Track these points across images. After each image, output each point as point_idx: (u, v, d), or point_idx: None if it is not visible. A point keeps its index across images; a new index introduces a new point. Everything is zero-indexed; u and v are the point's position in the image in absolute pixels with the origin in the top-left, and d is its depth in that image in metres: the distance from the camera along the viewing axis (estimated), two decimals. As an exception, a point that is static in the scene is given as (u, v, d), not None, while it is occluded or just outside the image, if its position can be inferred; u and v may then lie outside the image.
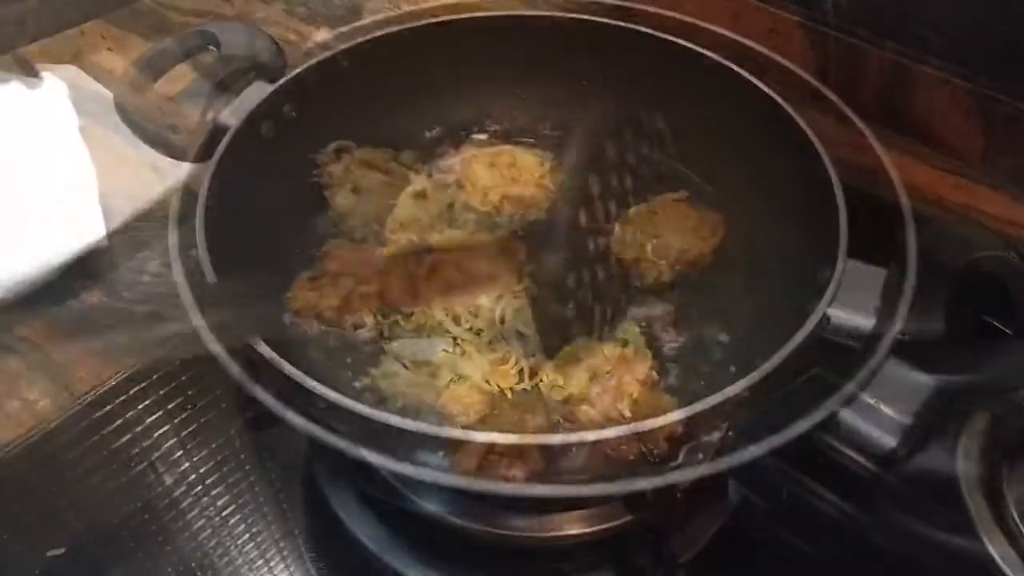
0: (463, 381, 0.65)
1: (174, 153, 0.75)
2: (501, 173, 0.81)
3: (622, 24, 0.82)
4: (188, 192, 0.63)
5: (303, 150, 0.79)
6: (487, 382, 0.65)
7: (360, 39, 0.80)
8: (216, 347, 0.52)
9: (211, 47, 0.80)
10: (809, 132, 0.68)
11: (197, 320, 0.54)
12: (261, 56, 0.79)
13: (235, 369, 0.52)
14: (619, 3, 0.84)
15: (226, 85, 0.75)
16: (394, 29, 0.81)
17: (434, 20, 0.82)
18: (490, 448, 0.60)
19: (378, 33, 0.80)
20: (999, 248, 0.64)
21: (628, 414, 0.62)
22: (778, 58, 0.75)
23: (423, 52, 0.82)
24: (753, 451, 0.46)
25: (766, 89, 0.73)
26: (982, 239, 0.72)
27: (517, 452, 0.60)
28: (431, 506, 0.63)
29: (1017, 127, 0.88)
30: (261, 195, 0.72)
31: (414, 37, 0.81)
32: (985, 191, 0.92)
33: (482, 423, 0.61)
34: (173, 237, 0.59)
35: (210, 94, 0.75)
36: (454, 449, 0.61)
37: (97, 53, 1.13)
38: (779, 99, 0.72)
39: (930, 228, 0.59)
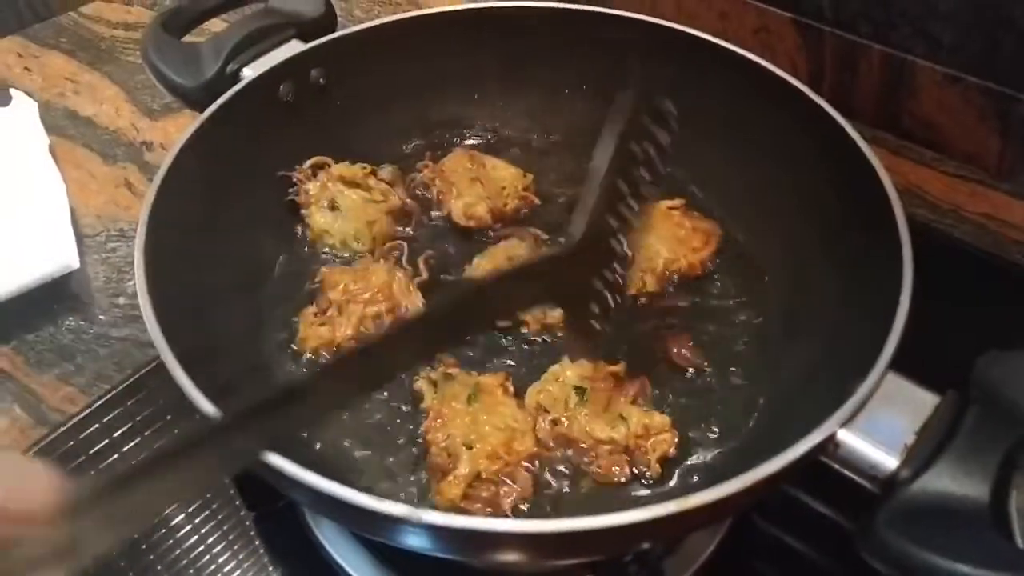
0: (447, 403, 0.62)
1: (190, 103, 0.74)
2: (484, 186, 0.79)
3: (614, 12, 0.79)
4: (155, 218, 0.61)
5: (276, 164, 0.77)
6: (469, 401, 0.62)
7: (331, 38, 0.78)
8: (194, 393, 0.50)
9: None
10: (861, 142, 0.64)
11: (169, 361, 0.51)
12: (307, 14, 0.78)
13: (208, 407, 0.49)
14: (592, 8, 0.81)
15: (257, 39, 0.75)
16: (367, 26, 0.78)
17: (411, 15, 0.80)
18: (476, 475, 0.58)
19: (351, 30, 0.78)
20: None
21: (617, 436, 0.60)
22: (758, 60, 0.72)
23: (401, 52, 0.80)
24: (747, 479, 0.44)
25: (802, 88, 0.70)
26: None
27: (504, 477, 0.59)
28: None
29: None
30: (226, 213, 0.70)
31: (390, 34, 0.79)
32: (1005, 199, 0.89)
33: (467, 448, 0.59)
34: (140, 269, 0.56)
35: (236, 46, 0.74)
36: (437, 478, 0.59)
37: (10, 73, 1.11)
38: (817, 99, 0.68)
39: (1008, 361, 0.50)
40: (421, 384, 0.65)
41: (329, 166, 0.77)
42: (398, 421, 0.64)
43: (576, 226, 0.55)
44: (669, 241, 0.73)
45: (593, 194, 0.55)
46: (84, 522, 0.33)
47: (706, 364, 0.67)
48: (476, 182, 0.79)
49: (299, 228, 0.77)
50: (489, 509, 0.58)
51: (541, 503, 0.59)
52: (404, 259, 0.74)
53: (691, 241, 0.73)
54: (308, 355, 0.68)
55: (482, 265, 0.73)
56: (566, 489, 0.60)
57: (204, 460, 0.37)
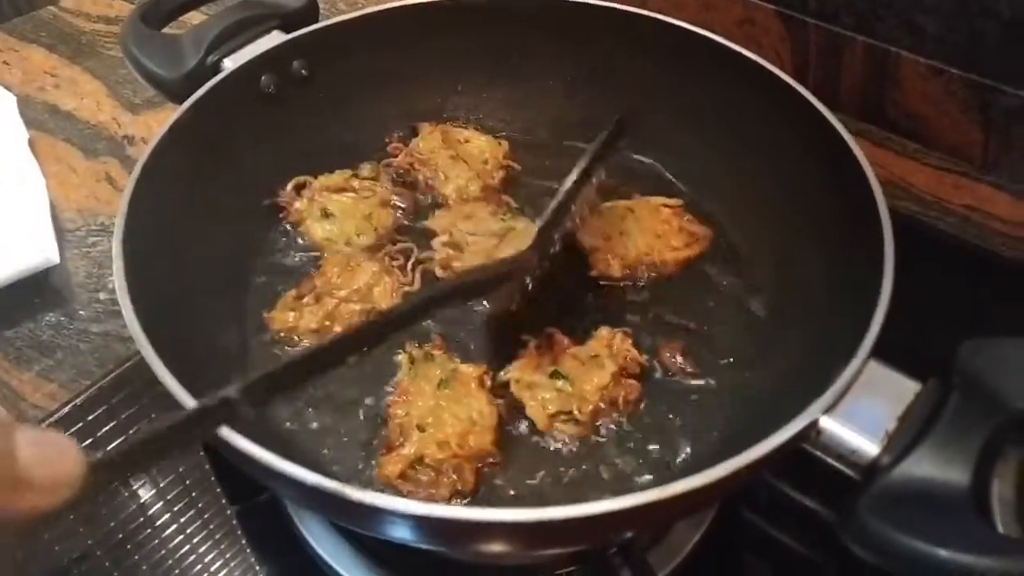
0: (417, 382, 0.62)
1: (171, 95, 0.74)
2: (466, 163, 0.78)
3: (600, 3, 0.79)
4: (135, 209, 0.60)
5: (258, 156, 0.75)
6: (440, 386, 0.62)
7: (313, 28, 0.77)
8: (174, 386, 0.49)
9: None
10: (848, 139, 0.63)
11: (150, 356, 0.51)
12: (289, 4, 0.78)
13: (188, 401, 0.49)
14: (577, 0, 0.81)
15: (238, 30, 0.75)
16: (350, 16, 0.78)
17: (394, 5, 0.80)
18: (419, 458, 0.58)
19: (334, 21, 0.78)
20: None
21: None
22: (745, 52, 0.72)
23: (384, 43, 0.80)
24: (729, 466, 0.44)
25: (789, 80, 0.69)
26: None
27: (448, 467, 0.59)
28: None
29: (1022, 119, 0.85)
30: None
31: (373, 25, 0.78)
32: (988, 190, 0.89)
33: (419, 430, 0.59)
34: (119, 262, 0.56)
35: (216, 37, 0.74)
36: (382, 452, 0.60)
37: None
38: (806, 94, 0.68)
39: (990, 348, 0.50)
40: (401, 358, 0.65)
41: (309, 183, 0.77)
42: (368, 388, 0.65)
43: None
44: (647, 234, 0.73)
45: (553, 214, 0.63)
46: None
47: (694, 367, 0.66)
48: (457, 160, 0.78)
49: (282, 222, 0.76)
50: (423, 493, 0.58)
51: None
52: (409, 265, 0.72)
53: (671, 239, 0.73)
54: (271, 336, 0.68)
55: (441, 219, 0.75)
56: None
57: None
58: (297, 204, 0.75)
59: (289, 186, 0.76)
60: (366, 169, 0.80)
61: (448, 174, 0.78)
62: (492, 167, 0.80)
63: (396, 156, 0.81)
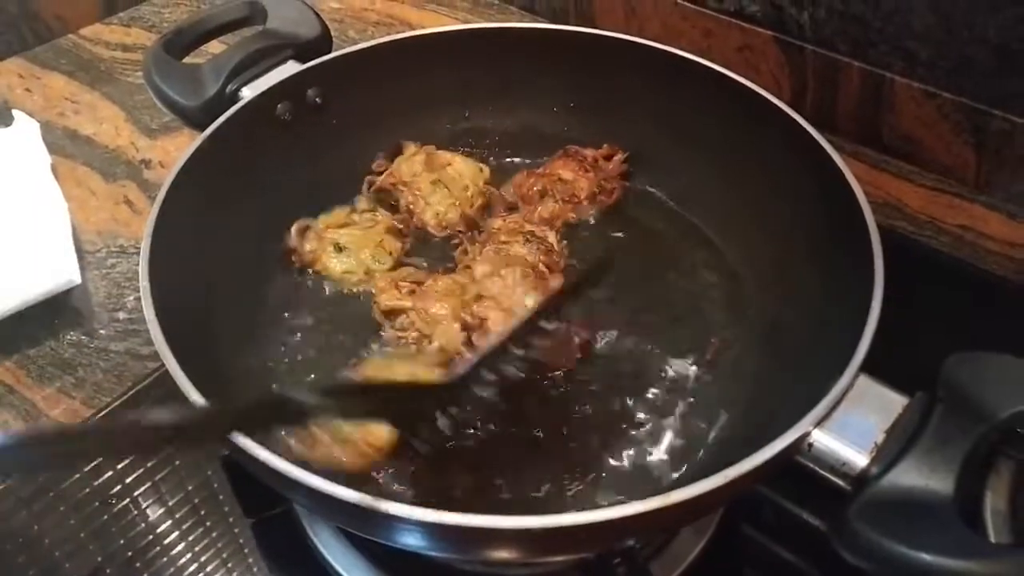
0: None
1: (191, 122, 0.77)
2: (448, 189, 0.81)
3: (601, 33, 0.82)
4: (159, 232, 0.63)
5: (274, 179, 0.78)
6: None
7: (327, 58, 0.80)
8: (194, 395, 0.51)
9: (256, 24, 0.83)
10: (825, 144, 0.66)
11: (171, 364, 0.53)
12: (304, 35, 0.81)
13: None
14: (579, 29, 0.84)
15: (256, 60, 0.77)
16: (362, 47, 0.81)
17: (403, 36, 0.83)
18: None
19: (346, 51, 0.81)
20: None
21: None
22: (740, 78, 0.75)
23: (395, 72, 0.82)
24: (726, 476, 0.46)
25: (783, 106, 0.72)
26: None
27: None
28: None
29: (1012, 142, 0.87)
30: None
31: (384, 55, 0.81)
32: (981, 211, 0.91)
33: None
34: (145, 281, 0.58)
35: (235, 67, 0.76)
36: None
37: (11, 94, 1.12)
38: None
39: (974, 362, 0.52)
40: None
41: (312, 225, 0.78)
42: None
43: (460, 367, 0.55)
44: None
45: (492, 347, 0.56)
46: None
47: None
48: (439, 185, 0.81)
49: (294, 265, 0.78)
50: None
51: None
52: None
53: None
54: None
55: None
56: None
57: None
58: (308, 246, 0.76)
59: (293, 231, 0.77)
60: (362, 202, 0.82)
61: (429, 200, 0.80)
62: (473, 194, 0.81)
63: (379, 176, 0.83)
